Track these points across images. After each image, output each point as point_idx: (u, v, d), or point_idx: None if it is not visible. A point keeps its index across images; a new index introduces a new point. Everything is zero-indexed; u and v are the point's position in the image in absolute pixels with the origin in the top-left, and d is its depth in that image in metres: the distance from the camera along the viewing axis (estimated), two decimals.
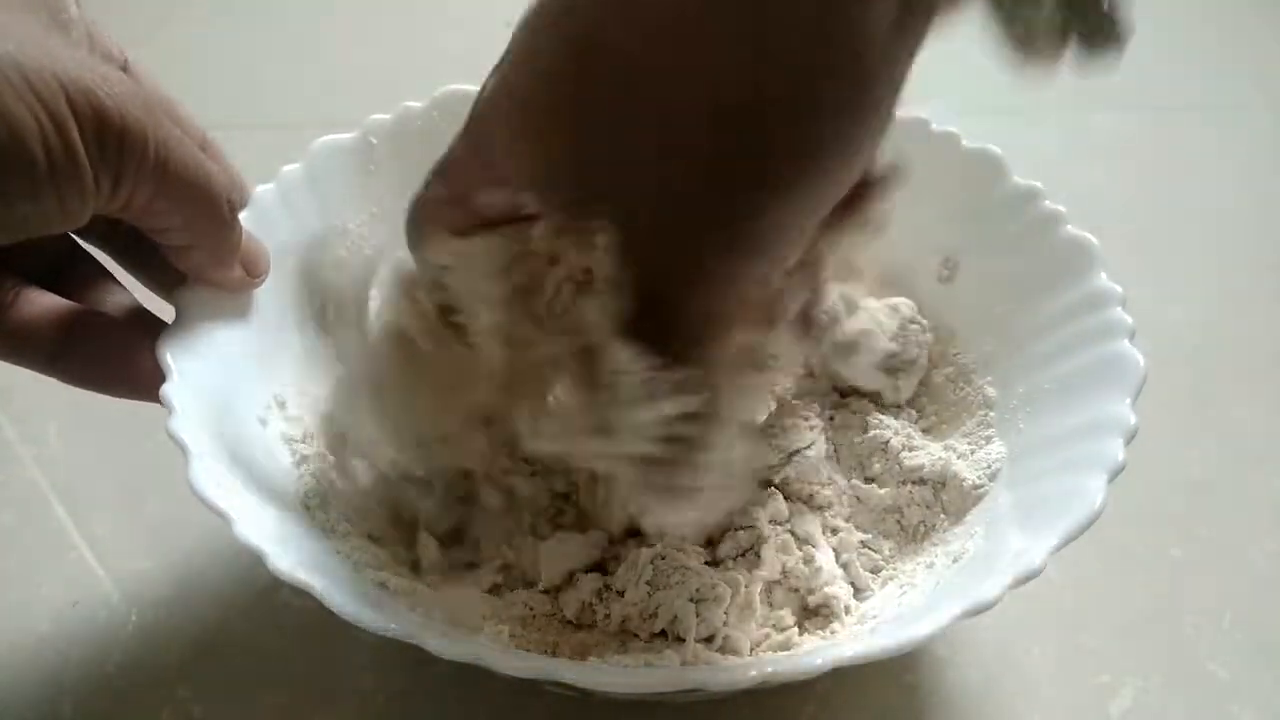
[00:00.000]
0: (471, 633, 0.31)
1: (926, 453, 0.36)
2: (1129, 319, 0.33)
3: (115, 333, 0.31)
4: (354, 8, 0.66)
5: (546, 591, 0.34)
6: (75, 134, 0.25)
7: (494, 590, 0.35)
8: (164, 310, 0.33)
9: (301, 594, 0.26)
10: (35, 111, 0.24)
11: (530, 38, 0.25)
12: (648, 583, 0.33)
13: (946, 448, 0.36)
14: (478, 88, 0.40)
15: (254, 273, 0.34)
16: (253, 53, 0.61)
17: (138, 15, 0.63)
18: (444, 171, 0.29)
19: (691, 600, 0.32)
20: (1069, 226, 0.36)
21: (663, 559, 0.33)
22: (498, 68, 0.27)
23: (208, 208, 0.30)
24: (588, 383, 0.26)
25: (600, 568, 0.34)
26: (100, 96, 0.25)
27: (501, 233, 0.27)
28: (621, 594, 0.33)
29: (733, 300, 0.25)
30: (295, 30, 0.64)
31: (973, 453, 0.36)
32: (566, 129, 0.24)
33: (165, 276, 0.33)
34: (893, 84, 0.23)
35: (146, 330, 0.31)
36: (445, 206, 0.28)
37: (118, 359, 0.30)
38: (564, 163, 0.25)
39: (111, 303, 0.32)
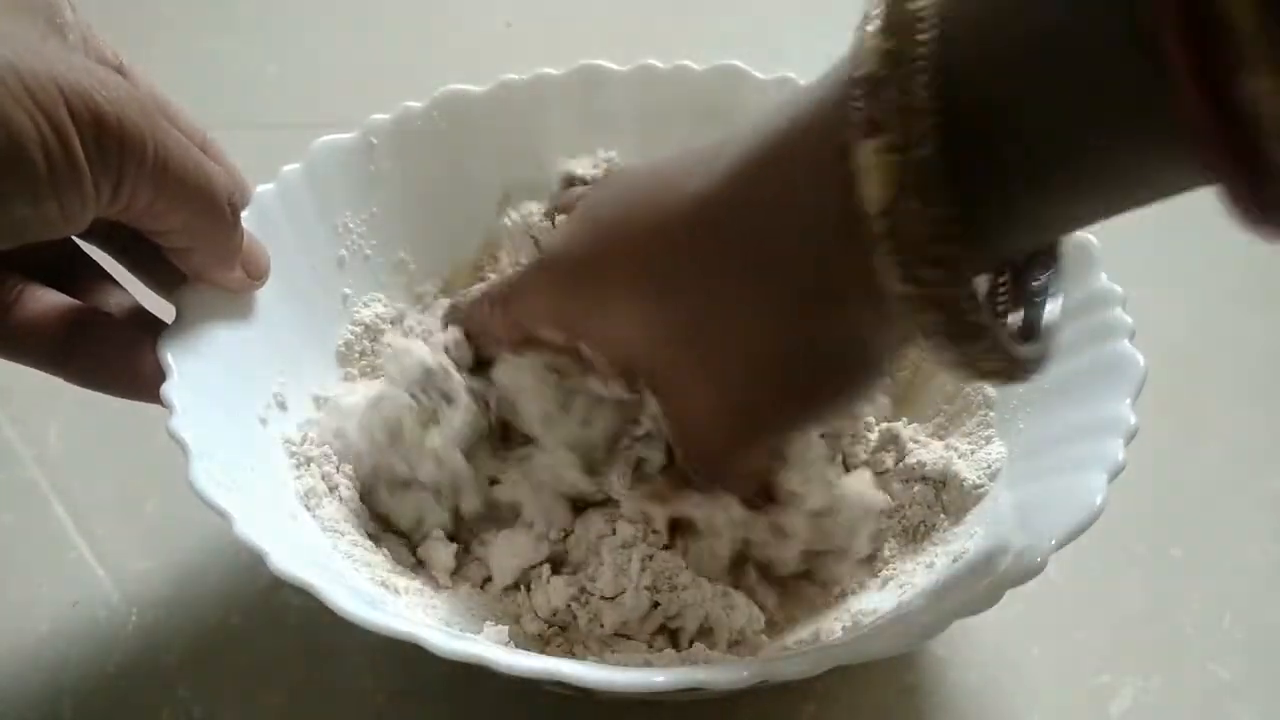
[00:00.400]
0: (472, 632, 0.31)
1: (927, 452, 0.36)
2: (1129, 319, 0.33)
3: (119, 332, 0.31)
4: (354, 8, 0.66)
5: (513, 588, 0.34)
6: (75, 138, 0.25)
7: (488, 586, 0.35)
8: (165, 310, 0.33)
9: (301, 594, 0.26)
10: (34, 117, 0.24)
11: (618, 233, 0.30)
12: (647, 587, 0.32)
13: (947, 447, 0.36)
14: (478, 88, 0.41)
15: (255, 273, 0.33)
16: (253, 53, 0.61)
17: (138, 16, 0.63)
18: (506, 302, 0.34)
19: (724, 609, 0.32)
20: None
21: (650, 559, 0.33)
22: (582, 234, 0.32)
23: (208, 209, 0.30)
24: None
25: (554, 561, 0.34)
26: (98, 100, 0.25)
27: (557, 364, 0.33)
28: (608, 598, 0.33)
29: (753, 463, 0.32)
30: (295, 30, 0.64)
31: (973, 453, 0.36)
32: (649, 326, 0.30)
33: (166, 276, 0.33)
34: (882, 369, 0.30)
35: (148, 331, 0.31)
36: (503, 329, 0.34)
37: (121, 359, 0.30)
38: (641, 345, 0.30)
39: (112, 304, 0.32)
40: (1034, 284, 0.28)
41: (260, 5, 0.65)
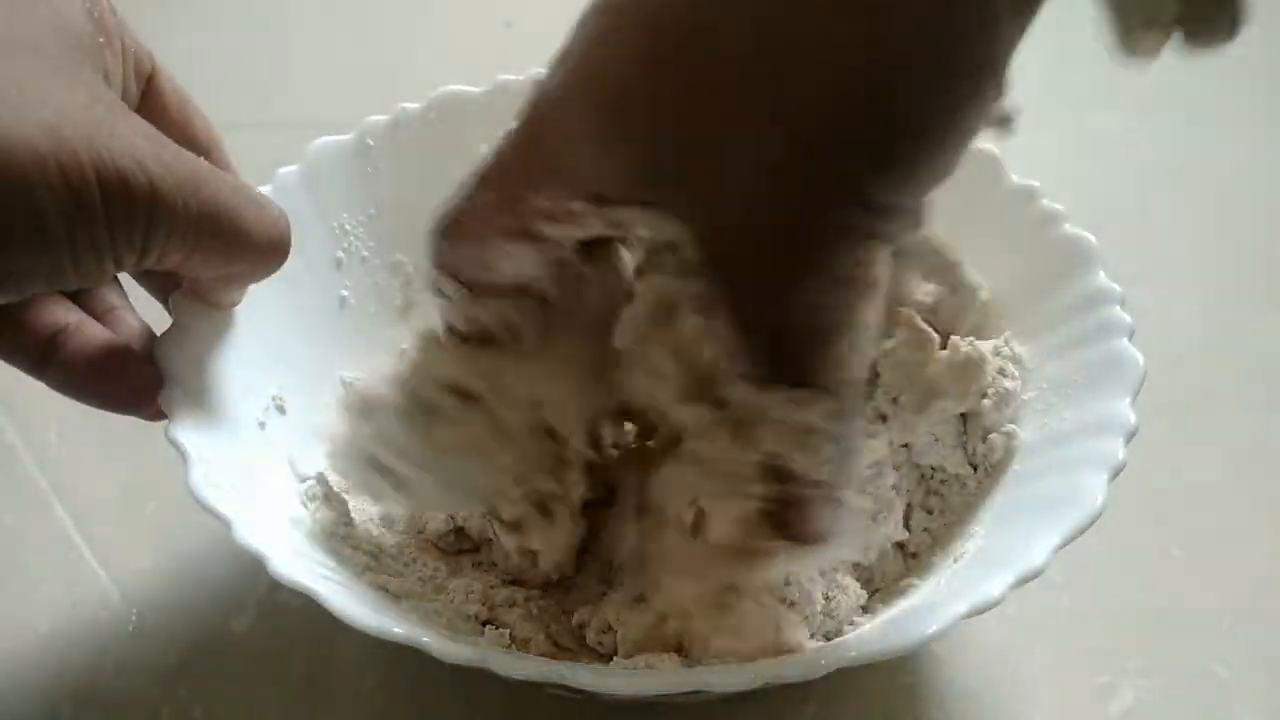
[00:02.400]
0: (472, 634, 0.31)
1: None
2: (1128, 318, 0.33)
3: (98, 346, 0.31)
4: (353, 8, 0.66)
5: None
6: (101, 217, 0.25)
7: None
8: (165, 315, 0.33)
9: (302, 595, 0.26)
10: (61, 199, 0.24)
11: (605, 25, 0.24)
12: None
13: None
14: (476, 89, 0.40)
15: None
16: (252, 53, 0.61)
17: (137, 17, 0.63)
18: (490, 177, 0.27)
19: None
20: (1067, 225, 0.36)
21: None
22: (560, 63, 0.25)
23: (243, 261, 0.30)
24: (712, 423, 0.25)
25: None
26: (130, 183, 0.25)
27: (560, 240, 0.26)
28: None
29: (852, 298, 0.24)
30: (294, 30, 0.64)
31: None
32: (667, 117, 0.23)
33: (166, 280, 0.33)
34: (1001, 61, 0.22)
35: (132, 343, 0.31)
36: (495, 214, 0.27)
37: (96, 373, 0.30)
38: (659, 153, 0.23)
39: (105, 307, 0.32)
40: None
41: (260, 5, 0.65)
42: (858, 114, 0.22)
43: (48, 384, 0.30)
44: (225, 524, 0.27)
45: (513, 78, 0.41)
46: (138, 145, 0.26)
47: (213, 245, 0.28)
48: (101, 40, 0.28)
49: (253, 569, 0.27)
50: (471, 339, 0.29)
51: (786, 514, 0.25)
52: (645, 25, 0.23)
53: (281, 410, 0.35)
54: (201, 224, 0.27)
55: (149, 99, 0.31)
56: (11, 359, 0.30)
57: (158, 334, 0.32)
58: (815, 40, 0.22)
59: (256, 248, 0.29)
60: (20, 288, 0.26)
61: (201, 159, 0.28)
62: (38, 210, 0.24)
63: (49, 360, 0.30)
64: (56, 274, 0.26)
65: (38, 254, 0.25)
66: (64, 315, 0.31)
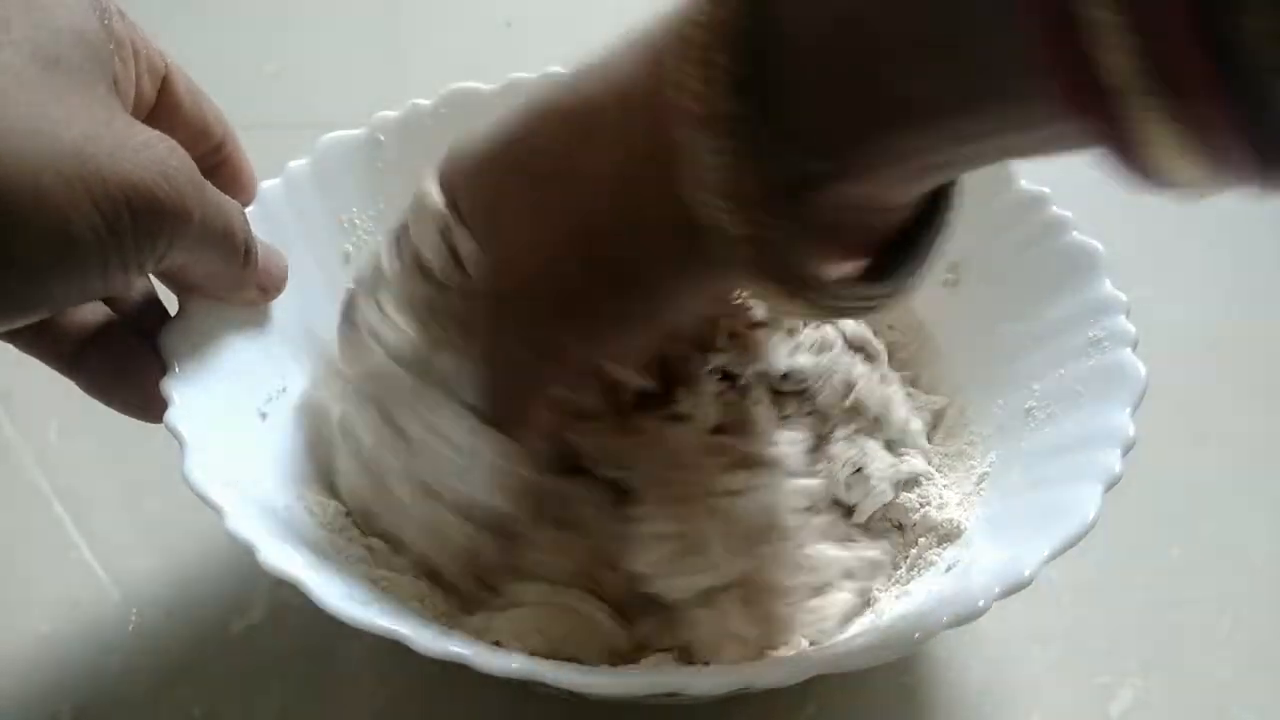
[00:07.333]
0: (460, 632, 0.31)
1: (921, 460, 0.36)
2: (1131, 328, 0.33)
3: (130, 352, 0.31)
4: (353, 7, 0.66)
5: None
6: (129, 238, 0.26)
7: None
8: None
9: (301, 592, 0.26)
10: (94, 223, 0.25)
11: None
12: None
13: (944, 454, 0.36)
14: (484, 85, 0.40)
15: (270, 291, 0.34)
16: (252, 53, 0.61)
17: (139, 16, 0.62)
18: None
19: None
20: (1075, 233, 0.36)
21: None
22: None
23: (226, 259, 0.30)
24: None
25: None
26: (159, 196, 0.26)
27: None
28: None
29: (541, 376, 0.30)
30: (295, 30, 0.64)
31: (969, 460, 0.36)
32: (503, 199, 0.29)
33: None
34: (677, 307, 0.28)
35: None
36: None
37: (126, 379, 0.31)
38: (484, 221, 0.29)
39: (132, 294, 0.33)
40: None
41: (260, 5, 0.65)
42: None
43: (77, 384, 0.31)
44: (218, 513, 0.27)
45: (523, 75, 0.41)
46: (163, 171, 0.26)
47: (206, 246, 0.29)
48: (112, 48, 0.28)
49: (253, 568, 0.27)
50: None
51: None
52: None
53: (284, 401, 0.34)
54: (205, 229, 0.28)
55: (164, 98, 0.31)
56: (44, 357, 0.30)
57: None
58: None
59: (236, 241, 0.30)
60: (51, 308, 0.27)
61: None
62: (71, 236, 0.25)
63: (81, 362, 0.30)
64: (86, 291, 0.27)
65: (70, 276, 0.26)
66: (93, 316, 0.31)
